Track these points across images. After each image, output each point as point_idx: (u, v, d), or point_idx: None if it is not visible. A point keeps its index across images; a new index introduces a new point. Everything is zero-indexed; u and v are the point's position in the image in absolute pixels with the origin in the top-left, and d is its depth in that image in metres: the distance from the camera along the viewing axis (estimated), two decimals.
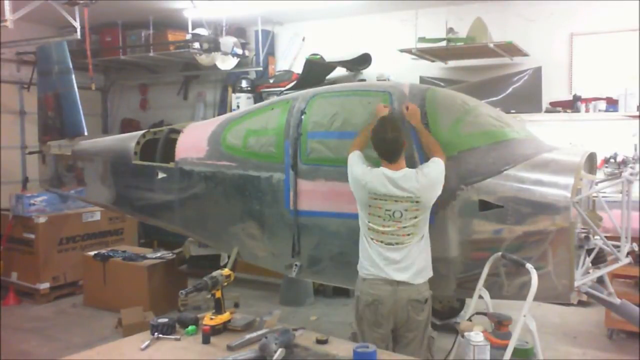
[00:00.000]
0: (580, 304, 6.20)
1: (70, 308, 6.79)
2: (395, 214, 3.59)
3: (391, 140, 3.66)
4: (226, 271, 3.37)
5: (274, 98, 6.18)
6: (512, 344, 3.20)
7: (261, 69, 8.64)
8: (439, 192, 3.69)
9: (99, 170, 6.02)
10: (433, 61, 7.61)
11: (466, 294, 4.41)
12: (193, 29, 7.94)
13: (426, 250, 3.71)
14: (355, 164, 3.79)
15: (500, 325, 3.32)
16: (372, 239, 3.66)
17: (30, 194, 7.35)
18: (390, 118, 3.88)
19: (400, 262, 3.61)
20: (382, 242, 3.63)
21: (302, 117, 4.53)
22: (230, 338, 3.08)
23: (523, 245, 3.82)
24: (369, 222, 3.67)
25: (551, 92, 6.94)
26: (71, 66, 6.71)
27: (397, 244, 3.61)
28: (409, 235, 3.62)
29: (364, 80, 7.99)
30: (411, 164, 3.85)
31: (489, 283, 4.01)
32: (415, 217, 3.61)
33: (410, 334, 3.68)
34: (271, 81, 8.47)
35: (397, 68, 7.72)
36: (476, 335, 3.98)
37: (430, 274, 3.72)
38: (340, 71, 8.14)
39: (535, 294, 3.99)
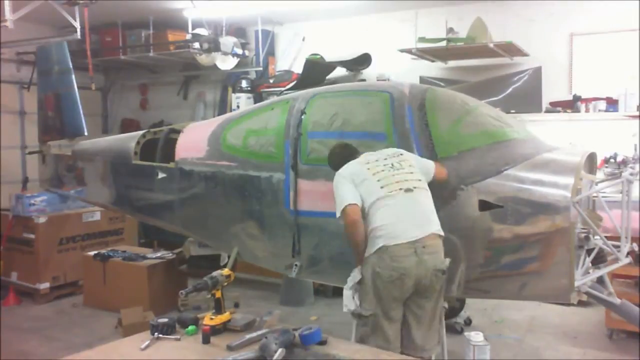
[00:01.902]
0: (580, 304, 6.20)
1: (70, 308, 6.79)
2: (394, 164, 3.70)
3: (341, 146, 4.03)
4: (226, 271, 3.36)
5: (274, 98, 6.19)
6: None
7: (261, 69, 8.64)
8: (419, 160, 3.86)
9: (99, 170, 6.02)
10: (433, 61, 7.61)
11: (467, 294, 4.41)
12: (193, 29, 7.94)
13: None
14: (340, 184, 3.72)
15: None
16: (389, 193, 3.55)
17: (30, 194, 7.34)
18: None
19: (420, 209, 3.57)
20: (400, 189, 3.56)
21: (302, 117, 4.54)
22: (230, 338, 3.08)
23: (523, 245, 3.83)
24: (378, 180, 3.61)
25: (551, 92, 6.93)
26: (71, 66, 6.70)
27: (415, 188, 3.60)
28: (419, 180, 3.67)
29: (364, 80, 7.99)
30: None
31: (490, 283, 4.02)
32: (411, 165, 3.73)
33: (427, 303, 3.58)
34: (271, 81, 8.47)
35: (397, 68, 7.73)
36: (476, 335, 3.99)
37: (442, 234, 3.62)
38: (340, 71, 8.14)
39: (535, 294, 4.01)
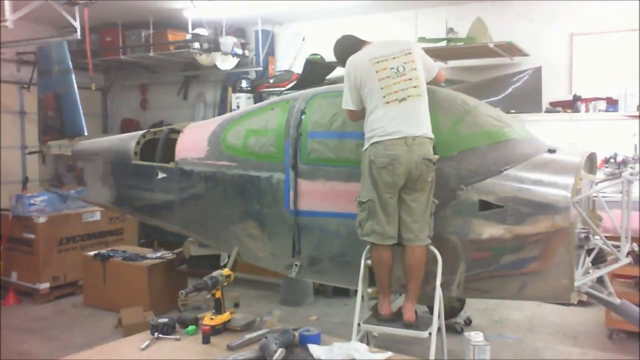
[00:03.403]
0: (580, 304, 6.20)
1: (70, 308, 6.79)
2: (399, 68, 3.91)
3: (347, 38, 4.29)
4: (226, 271, 3.37)
5: (274, 98, 6.18)
6: None
7: (261, 69, 8.64)
8: (424, 54, 4.13)
9: (99, 170, 6.02)
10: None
11: (467, 294, 4.41)
12: (193, 29, 7.94)
13: (429, 117, 3.92)
14: (345, 82, 4.06)
15: None
16: (387, 102, 3.84)
17: (30, 194, 7.33)
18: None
19: (413, 115, 3.83)
20: (396, 99, 3.84)
21: (302, 117, 4.54)
22: (230, 338, 3.09)
23: (523, 245, 3.83)
24: (381, 88, 3.88)
25: (551, 92, 6.93)
26: (71, 66, 6.70)
27: (409, 97, 3.85)
28: (415, 87, 3.89)
29: None
30: None
31: (490, 283, 4.02)
32: (414, 69, 3.94)
33: (418, 193, 3.84)
34: (271, 81, 8.46)
35: None
36: (476, 335, 3.99)
37: (432, 137, 3.89)
38: (340, 71, 8.12)
39: (535, 294, 4.01)
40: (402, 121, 3.80)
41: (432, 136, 3.87)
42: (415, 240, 3.85)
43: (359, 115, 4.07)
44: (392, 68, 3.92)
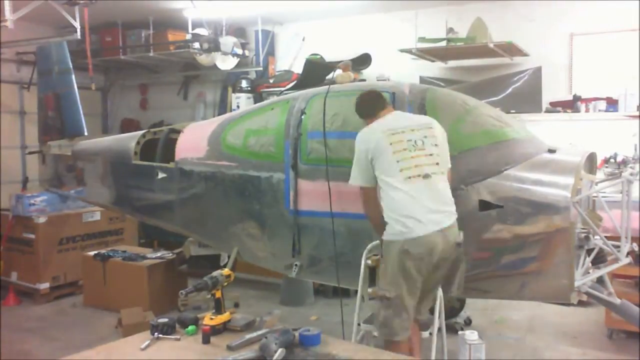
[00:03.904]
0: (580, 304, 6.19)
1: (70, 308, 6.79)
2: (417, 142, 3.58)
3: (369, 94, 3.90)
4: (226, 271, 3.36)
5: (274, 98, 6.18)
6: None
7: (261, 69, 8.64)
8: (445, 138, 3.74)
9: (99, 170, 6.02)
10: (433, 61, 7.61)
11: (467, 294, 4.42)
12: (193, 29, 7.94)
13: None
14: (358, 155, 3.69)
15: None
16: (409, 178, 3.48)
17: (30, 194, 7.34)
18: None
19: (439, 193, 3.52)
20: (419, 175, 3.48)
21: (302, 117, 4.54)
22: (230, 338, 3.08)
23: (523, 245, 3.83)
24: (399, 161, 3.52)
25: (551, 92, 6.93)
26: (71, 66, 6.71)
27: (433, 173, 3.52)
28: (437, 164, 3.57)
29: (364, 80, 7.99)
30: None
31: (490, 283, 4.02)
32: (436, 145, 3.62)
33: (455, 277, 3.71)
34: (271, 81, 8.46)
35: (397, 68, 7.72)
36: (471, 334, 3.99)
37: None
38: (340, 71, 8.12)
39: (535, 294, 4.00)
40: (434, 203, 3.48)
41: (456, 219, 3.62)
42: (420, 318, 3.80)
43: (372, 193, 3.67)
44: (410, 140, 3.57)
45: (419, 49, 7.11)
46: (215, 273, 3.32)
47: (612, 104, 6.62)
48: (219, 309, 3.27)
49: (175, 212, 5.35)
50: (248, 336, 3.07)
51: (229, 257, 5.07)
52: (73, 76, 6.68)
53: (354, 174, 3.70)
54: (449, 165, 3.73)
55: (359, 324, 3.99)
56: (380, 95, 3.90)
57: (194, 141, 5.21)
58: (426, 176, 3.50)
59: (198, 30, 7.94)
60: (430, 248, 3.44)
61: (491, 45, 6.67)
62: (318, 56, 8.08)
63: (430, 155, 3.58)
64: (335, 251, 4.38)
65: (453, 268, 3.72)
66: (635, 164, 6.42)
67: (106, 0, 6.98)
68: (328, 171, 4.29)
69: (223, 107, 9.08)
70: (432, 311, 4.05)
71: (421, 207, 3.46)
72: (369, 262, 4.01)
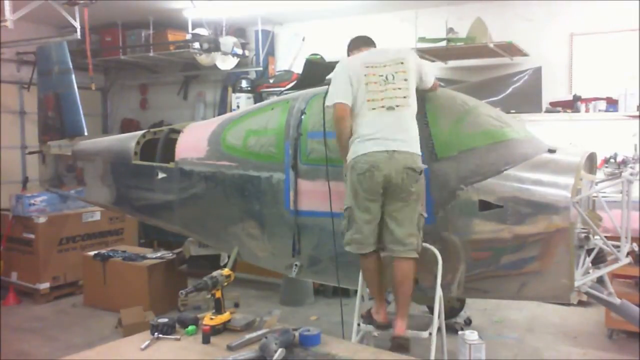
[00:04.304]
0: (580, 304, 6.20)
1: (70, 308, 6.79)
2: (388, 77, 3.89)
3: (359, 36, 4.36)
4: (226, 271, 3.37)
5: (274, 98, 6.18)
6: None
7: (261, 69, 8.64)
8: (420, 63, 4.10)
9: (99, 170, 6.02)
10: (433, 61, 7.60)
11: (467, 294, 4.41)
12: (193, 29, 7.94)
13: (417, 129, 3.87)
14: (339, 76, 4.00)
15: None
16: (373, 109, 3.82)
17: (30, 194, 7.34)
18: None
19: (399, 125, 3.78)
20: (382, 107, 3.81)
21: (302, 117, 4.54)
22: (230, 338, 3.08)
23: (523, 245, 3.83)
24: (368, 92, 3.85)
25: (551, 92, 6.92)
26: (71, 66, 6.70)
27: (397, 106, 3.82)
28: (404, 97, 3.85)
29: None
30: None
31: (490, 283, 4.02)
32: (405, 80, 3.90)
33: (403, 203, 3.76)
34: (271, 81, 8.46)
35: None
36: (471, 334, 3.99)
37: (419, 153, 3.83)
38: None
39: (535, 294, 4.00)
40: (387, 131, 3.75)
41: (418, 152, 3.80)
42: (402, 252, 3.77)
43: (348, 110, 3.89)
44: (382, 75, 3.90)
45: (419, 49, 7.10)
46: (215, 273, 3.33)
47: (612, 104, 6.61)
48: (219, 309, 3.27)
49: (175, 212, 5.35)
50: (248, 336, 3.08)
51: (229, 257, 5.07)
52: (73, 76, 6.68)
53: (331, 95, 3.97)
54: (429, 86, 4.12)
55: (358, 324, 3.99)
56: (368, 37, 4.34)
57: (194, 141, 5.21)
58: (390, 108, 3.82)
59: (198, 30, 7.94)
60: (372, 165, 3.69)
61: (491, 45, 6.67)
62: (318, 56, 8.07)
63: (399, 89, 3.87)
64: (335, 251, 4.38)
65: (452, 268, 3.74)
66: (635, 164, 6.42)
67: (106, 0, 6.98)
68: (328, 171, 4.28)
69: (223, 107, 9.07)
70: (431, 311, 4.04)
71: (376, 131, 3.77)
72: None
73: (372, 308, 4.05)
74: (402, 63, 3.95)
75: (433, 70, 4.22)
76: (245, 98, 8.41)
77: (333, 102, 3.92)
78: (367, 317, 4.01)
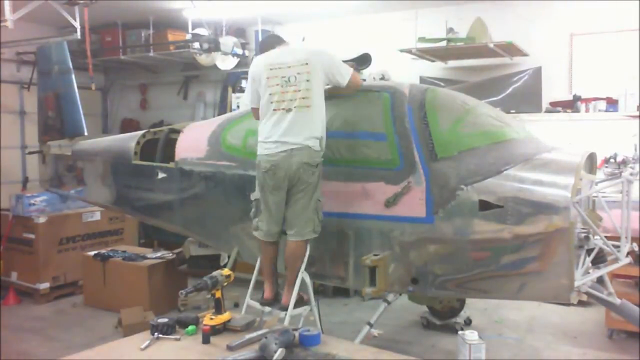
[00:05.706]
0: (580, 304, 6.20)
1: (70, 308, 6.79)
2: (290, 79, 4.05)
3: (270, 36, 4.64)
4: (226, 271, 3.36)
5: None
6: None
7: None
8: (331, 63, 4.18)
9: (99, 170, 6.02)
10: (433, 61, 7.61)
11: (467, 294, 4.41)
12: (193, 29, 7.94)
13: (321, 121, 4.08)
14: (249, 79, 4.28)
15: None
16: (274, 110, 4.05)
17: (30, 194, 7.34)
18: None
19: (297, 126, 3.99)
20: (283, 109, 4.03)
21: None
22: (230, 338, 3.08)
23: (523, 245, 3.82)
24: (270, 94, 4.08)
25: (551, 92, 6.93)
26: (71, 66, 6.71)
27: (295, 107, 4.01)
28: (303, 98, 4.01)
29: (364, 80, 7.98)
30: (411, 163, 3.91)
31: (490, 283, 4.02)
32: (308, 80, 4.03)
33: (300, 194, 4.07)
34: None
35: (397, 68, 7.71)
36: (471, 334, 3.98)
37: (322, 144, 4.09)
38: None
39: (535, 294, 3.99)
40: (287, 132, 4.00)
41: (316, 148, 4.04)
42: (292, 235, 4.15)
43: (256, 113, 4.27)
44: (284, 77, 4.07)
45: (419, 49, 7.11)
46: (215, 273, 3.33)
47: (612, 104, 6.62)
48: (219, 309, 3.27)
49: (175, 212, 5.35)
50: (248, 336, 3.07)
51: (229, 257, 5.07)
52: (73, 76, 6.68)
53: (244, 98, 4.42)
54: (345, 82, 4.21)
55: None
56: (280, 38, 4.53)
57: (194, 141, 5.20)
58: (289, 110, 4.02)
59: (198, 30, 7.94)
60: (273, 164, 4.03)
61: (491, 45, 6.67)
62: None
63: (299, 91, 4.03)
64: (335, 251, 4.38)
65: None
66: (635, 164, 6.42)
67: (106, 0, 6.98)
68: (328, 171, 4.28)
69: (223, 107, 9.06)
70: (432, 310, 4.02)
71: (276, 132, 4.03)
72: (369, 262, 4.01)
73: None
74: (306, 64, 4.07)
75: (349, 70, 4.24)
76: None
77: (248, 107, 4.40)
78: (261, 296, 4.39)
